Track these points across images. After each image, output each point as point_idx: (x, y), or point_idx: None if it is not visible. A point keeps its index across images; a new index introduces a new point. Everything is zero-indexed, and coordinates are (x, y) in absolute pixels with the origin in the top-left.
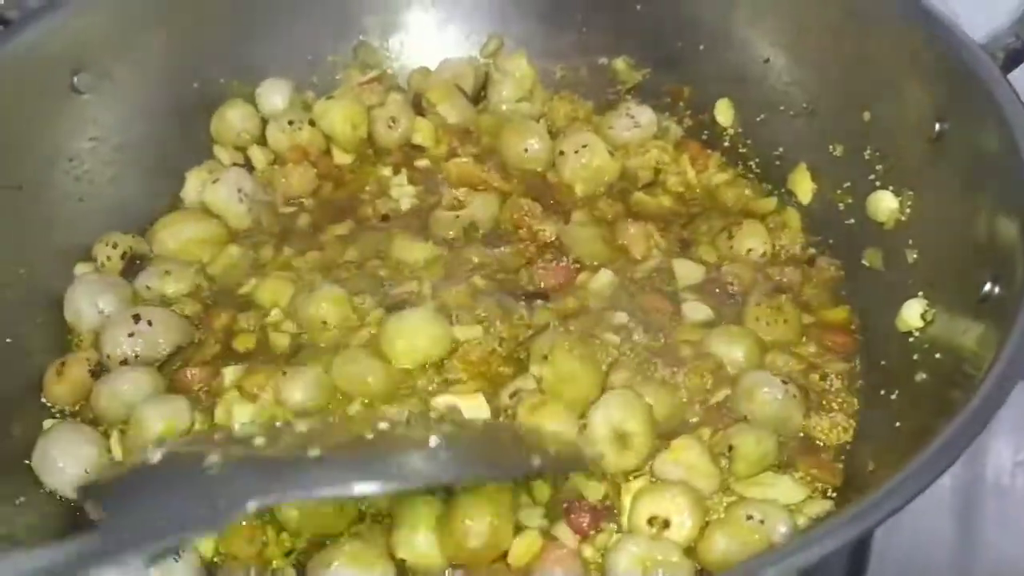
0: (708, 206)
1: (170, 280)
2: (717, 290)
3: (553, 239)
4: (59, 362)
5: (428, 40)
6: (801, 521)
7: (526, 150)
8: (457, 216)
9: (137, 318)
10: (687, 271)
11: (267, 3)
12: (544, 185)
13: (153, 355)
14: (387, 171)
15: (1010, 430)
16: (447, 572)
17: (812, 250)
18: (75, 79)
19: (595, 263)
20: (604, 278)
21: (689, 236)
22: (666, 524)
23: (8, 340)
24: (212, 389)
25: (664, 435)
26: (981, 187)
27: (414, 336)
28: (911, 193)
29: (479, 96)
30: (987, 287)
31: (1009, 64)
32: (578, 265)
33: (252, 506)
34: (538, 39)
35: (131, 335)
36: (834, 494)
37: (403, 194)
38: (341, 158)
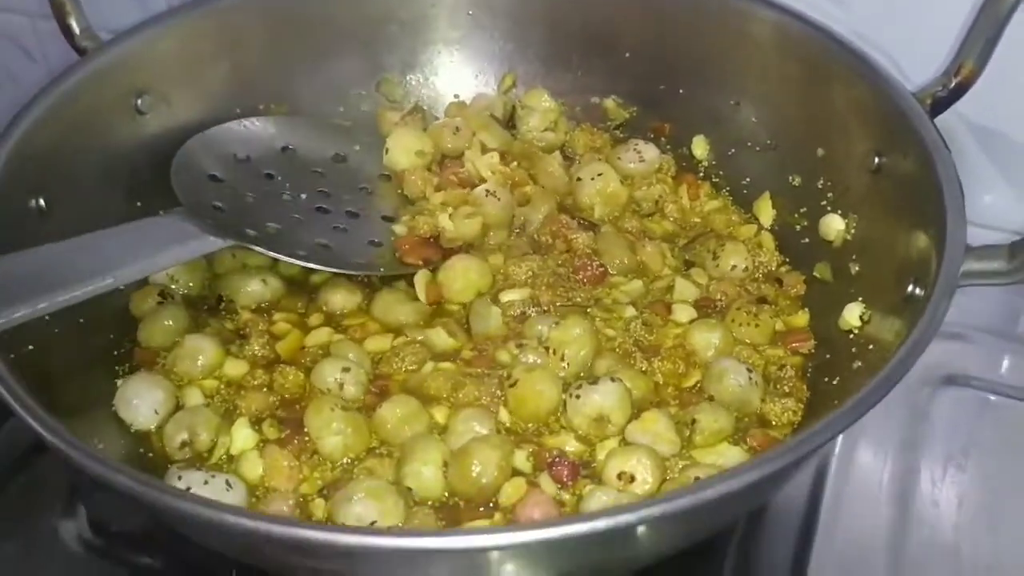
0: (704, 230)
1: None
2: (707, 307)
3: (587, 248)
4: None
5: (442, 78)
6: None
7: (554, 175)
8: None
9: None
10: (685, 289)
11: (304, 39)
12: (566, 207)
13: None
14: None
15: (943, 431)
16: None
17: (783, 268)
18: (138, 101)
19: (620, 270)
20: (636, 285)
21: (691, 257)
22: (632, 479)
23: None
24: None
25: (638, 408)
26: (908, 209)
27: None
28: (855, 216)
29: (508, 126)
30: (909, 288)
31: (936, 109)
32: (603, 269)
33: None
34: (539, 79)
35: None
36: None
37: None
38: None
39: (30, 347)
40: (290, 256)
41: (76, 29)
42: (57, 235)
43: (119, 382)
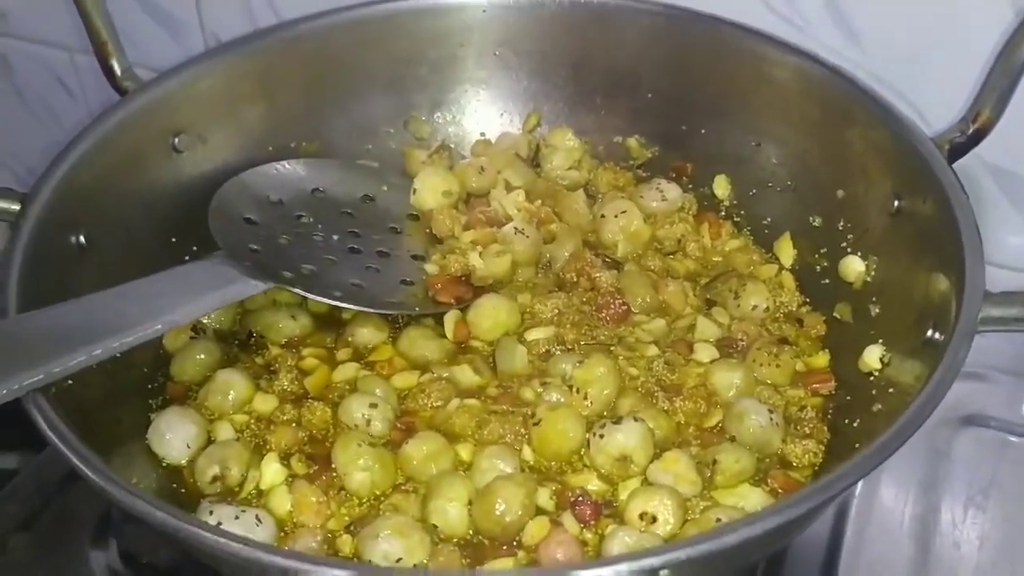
0: (725, 270)
1: None
2: (728, 347)
3: (610, 287)
4: None
5: (468, 117)
6: None
7: (578, 212)
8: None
9: None
10: (706, 329)
11: (337, 79)
12: (589, 243)
13: None
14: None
15: (963, 472)
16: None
17: (804, 309)
18: (175, 140)
19: (643, 309)
20: (658, 324)
21: (713, 297)
22: (654, 519)
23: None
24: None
25: (660, 447)
26: (927, 253)
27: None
28: (875, 258)
29: (532, 165)
30: (929, 333)
31: (954, 155)
32: (626, 307)
33: None
34: (563, 118)
35: None
36: None
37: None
38: None
39: (69, 382)
40: (327, 297)
41: (118, 70)
42: (96, 270)
43: (152, 416)
